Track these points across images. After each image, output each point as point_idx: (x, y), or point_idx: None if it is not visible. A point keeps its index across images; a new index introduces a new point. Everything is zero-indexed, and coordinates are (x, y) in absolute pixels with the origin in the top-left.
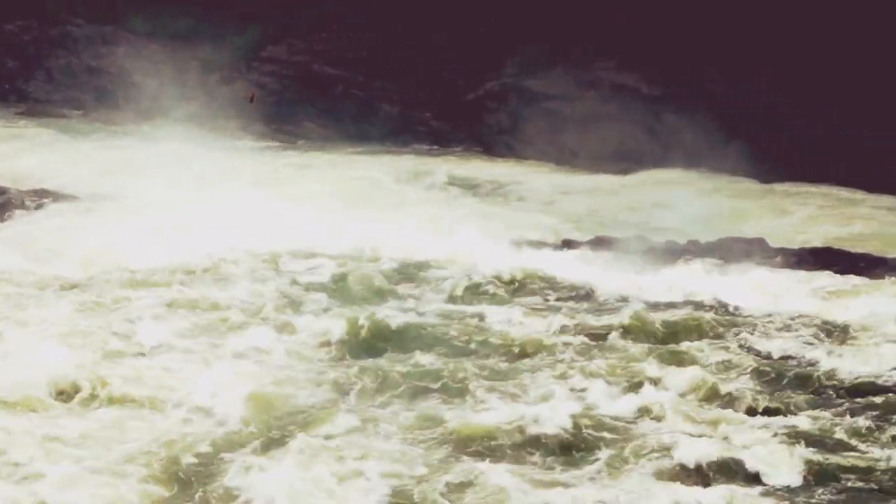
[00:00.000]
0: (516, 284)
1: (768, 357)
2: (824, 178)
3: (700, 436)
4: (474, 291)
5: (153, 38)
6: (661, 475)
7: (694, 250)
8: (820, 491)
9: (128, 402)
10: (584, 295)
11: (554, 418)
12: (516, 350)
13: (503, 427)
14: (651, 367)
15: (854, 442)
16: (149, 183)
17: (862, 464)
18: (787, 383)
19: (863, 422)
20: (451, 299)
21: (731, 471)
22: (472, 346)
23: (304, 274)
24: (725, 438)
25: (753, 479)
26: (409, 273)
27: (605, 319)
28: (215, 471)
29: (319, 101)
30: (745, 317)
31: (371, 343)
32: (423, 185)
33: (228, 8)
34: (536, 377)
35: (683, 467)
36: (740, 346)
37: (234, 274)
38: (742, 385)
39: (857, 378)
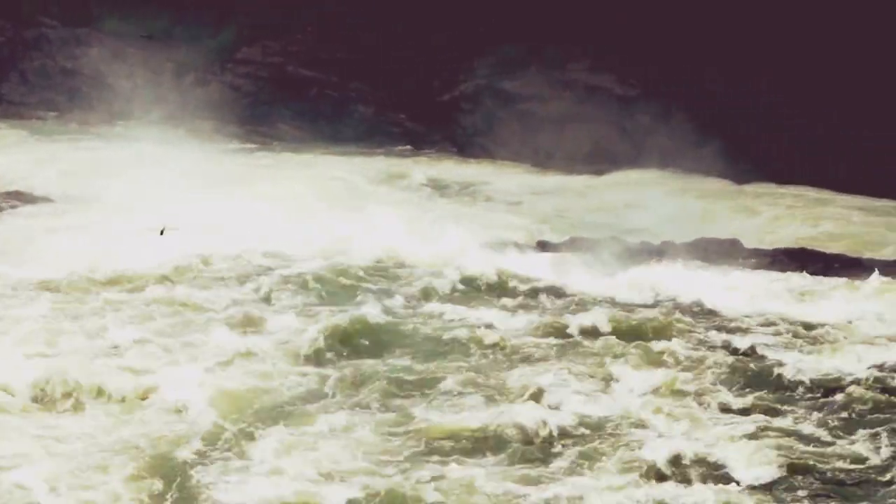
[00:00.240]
0: (490, 285)
1: (742, 357)
2: (799, 180)
3: (673, 434)
4: (449, 292)
5: (127, 40)
6: (633, 473)
7: (668, 251)
8: (793, 488)
9: (102, 403)
10: (558, 295)
11: (527, 417)
12: (490, 350)
13: (477, 426)
14: (624, 367)
15: (827, 440)
16: (123, 185)
17: (835, 462)
18: (761, 383)
19: (835, 420)
20: (426, 299)
21: (705, 468)
22: (447, 346)
23: (278, 274)
24: (698, 437)
25: (726, 476)
26: (385, 273)
27: (579, 320)
28: (190, 470)
29: (294, 103)
30: (720, 317)
31: (346, 343)
32: (398, 186)
33: (203, 10)
34: (510, 377)
35: (656, 465)
36: (714, 346)
37: (209, 275)
38: (716, 384)
39: (830, 377)
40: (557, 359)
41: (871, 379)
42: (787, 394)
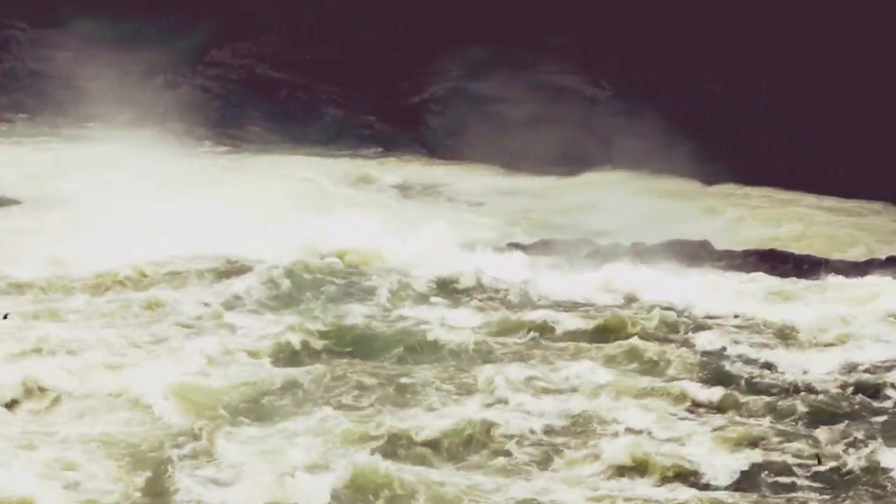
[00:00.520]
0: (461, 286)
1: (712, 356)
2: (772, 181)
3: (641, 432)
4: (419, 293)
5: (97, 42)
6: (600, 471)
7: (639, 252)
8: (759, 486)
9: (72, 403)
10: (528, 296)
11: (496, 416)
12: (460, 350)
13: (445, 428)
14: (594, 368)
15: (794, 439)
16: (92, 187)
17: (801, 460)
18: (729, 382)
19: (803, 419)
20: (396, 300)
21: (672, 466)
22: (417, 346)
23: (248, 275)
24: (667, 435)
25: (693, 474)
26: (355, 275)
27: (550, 321)
28: (161, 468)
29: (264, 105)
30: (690, 318)
31: (316, 343)
32: (368, 188)
33: (173, 12)
34: (480, 376)
35: (625, 465)
36: (684, 346)
37: (178, 277)
38: (686, 385)
39: (799, 377)
40: (528, 359)
41: (839, 378)
42: (756, 393)
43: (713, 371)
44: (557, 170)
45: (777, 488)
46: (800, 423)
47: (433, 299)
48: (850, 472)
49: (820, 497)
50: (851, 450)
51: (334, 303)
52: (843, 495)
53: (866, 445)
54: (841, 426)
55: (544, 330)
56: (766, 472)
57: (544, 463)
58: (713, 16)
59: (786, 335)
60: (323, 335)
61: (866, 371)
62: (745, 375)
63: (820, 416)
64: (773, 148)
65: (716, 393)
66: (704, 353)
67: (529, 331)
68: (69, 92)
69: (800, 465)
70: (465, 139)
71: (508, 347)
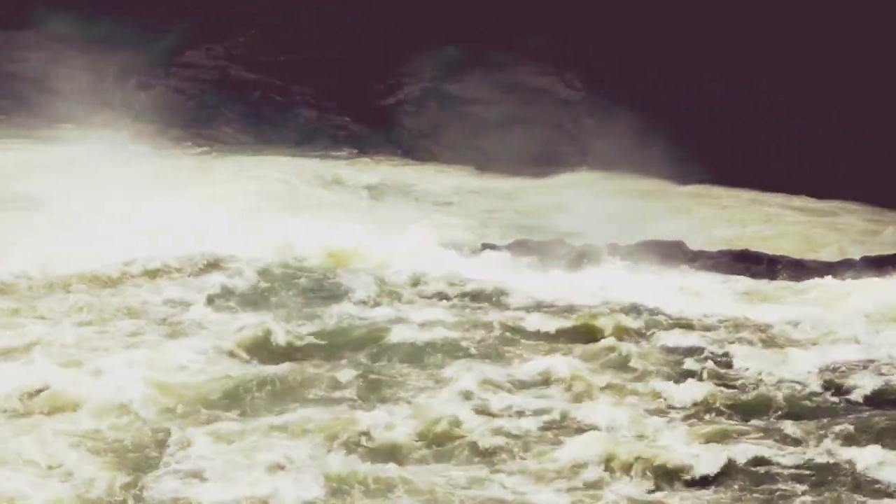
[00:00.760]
0: (434, 288)
1: (687, 357)
2: (746, 182)
3: (616, 431)
4: (392, 295)
5: (70, 44)
6: (575, 471)
7: (614, 253)
8: (734, 487)
9: (49, 402)
10: (502, 297)
11: (470, 417)
12: (433, 351)
13: (418, 426)
14: (568, 367)
15: (770, 439)
16: (66, 188)
17: (777, 461)
18: (705, 383)
19: (779, 420)
20: (369, 300)
21: (646, 467)
22: (390, 346)
23: (221, 275)
24: (642, 434)
25: (667, 475)
26: (329, 275)
27: (524, 321)
28: (132, 469)
29: (237, 106)
30: (665, 318)
31: (289, 344)
32: (342, 189)
33: (146, 13)
34: (452, 380)
35: (598, 462)
36: (659, 348)
37: (154, 275)
38: (660, 384)
39: (775, 378)
40: (501, 358)
41: (814, 378)
42: (731, 392)
43: (687, 370)
44: (531, 170)
45: (751, 486)
46: (775, 421)
47: (407, 299)
48: (825, 469)
49: (795, 494)
50: (827, 448)
51: (309, 302)
52: (819, 492)
53: (841, 443)
54: (816, 424)
55: (518, 329)
56: (741, 470)
57: (518, 460)
58: (698, 15)
59: (760, 335)
60: (298, 334)
61: (841, 370)
62: (720, 375)
63: (795, 414)
64: (758, 148)
65: (690, 392)
66: (679, 353)
67: (504, 330)
68: (42, 93)
69: (775, 464)
70: (440, 140)
71: (482, 346)
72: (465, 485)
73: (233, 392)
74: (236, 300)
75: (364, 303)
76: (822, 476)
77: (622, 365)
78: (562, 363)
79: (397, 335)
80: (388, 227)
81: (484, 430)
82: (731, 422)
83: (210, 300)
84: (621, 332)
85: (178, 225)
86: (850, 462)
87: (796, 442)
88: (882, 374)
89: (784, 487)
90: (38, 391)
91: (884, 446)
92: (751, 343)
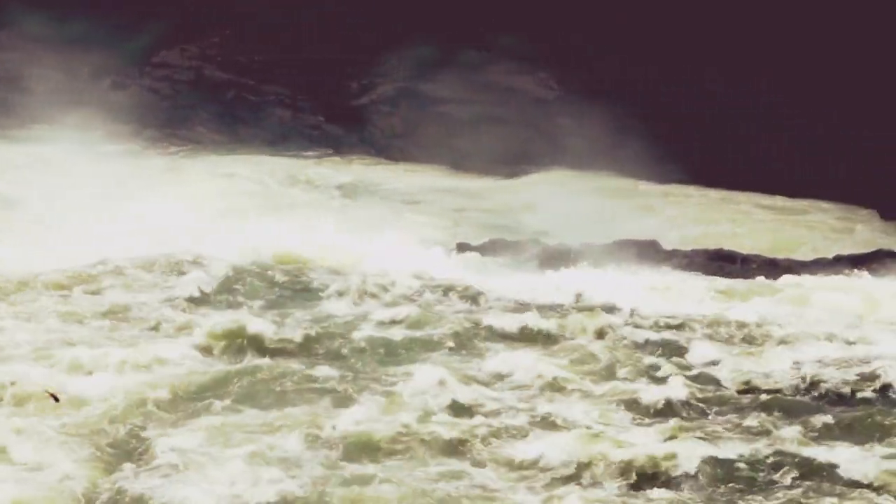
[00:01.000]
0: (406, 287)
1: (661, 356)
2: (721, 182)
3: (589, 432)
4: (364, 294)
5: (45, 44)
6: (548, 472)
7: (587, 252)
8: (706, 487)
9: (8, 400)
10: (475, 297)
11: (439, 417)
12: (405, 351)
13: (388, 425)
14: (541, 367)
15: (743, 439)
16: (38, 188)
17: (749, 460)
18: (680, 382)
19: (752, 420)
20: (340, 301)
21: (618, 468)
22: (361, 347)
23: (193, 276)
24: (615, 435)
25: (639, 475)
26: (299, 276)
27: (495, 321)
28: (102, 468)
29: (212, 106)
30: (638, 318)
31: (259, 345)
32: (314, 189)
33: (121, 13)
34: (425, 377)
35: (572, 464)
36: (633, 346)
37: (125, 275)
38: (635, 384)
39: (749, 377)
40: (474, 358)
41: (789, 376)
42: (706, 392)
43: (662, 368)
44: (505, 170)
45: (726, 484)
46: (751, 419)
47: (379, 297)
48: (800, 466)
49: (771, 491)
50: (803, 444)
51: (282, 301)
52: (795, 489)
53: (817, 440)
54: (792, 421)
55: (491, 328)
56: (715, 467)
57: (490, 457)
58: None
59: (735, 333)
60: (271, 332)
61: (816, 368)
62: (695, 373)
63: (771, 412)
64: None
65: (664, 390)
66: (653, 351)
67: (476, 329)
68: (16, 93)
69: (750, 461)
70: (414, 139)
71: (454, 345)
72: (437, 478)
73: (207, 389)
74: (209, 299)
75: (336, 301)
76: (797, 472)
77: (595, 363)
78: (535, 361)
79: (370, 333)
80: (360, 226)
81: (456, 427)
82: (705, 420)
83: (183, 299)
84: (595, 331)
85: (152, 224)
86: (825, 458)
87: (772, 439)
88: (856, 372)
89: (759, 484)
90: (12, 383)
91: (858, 443)
92: (726, 341)
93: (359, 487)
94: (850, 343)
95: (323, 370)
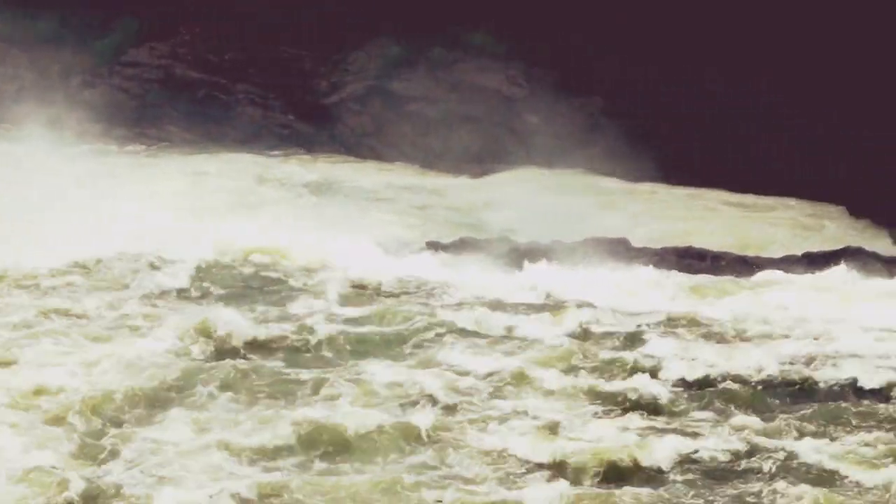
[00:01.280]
0: (377, 287)
1: (633, 353)
2: (688, 180)
3: (562, 431)
4: (336, 294)
5: (13, 42)
6: (521, 468)
7: (557, 250)
8: (676, 482)
9: None
10: (443, 295)
11: (409, 414)
12: (372, 350)
13: (354, 423)
14: (510, 364)
15: (711, 434)
16: (7, 188)
17: (718, 455)
18: (648, 380)
19: (725, 415)
20: (310, 300)
21: (588, 465)
22: (330, 346)
23: (160, 275)
24: (589, 432)
25: (609, 471)
26: (266, 274)
27: (465, 318)
28: (66, 463)
29: (182, 105)
30: (609, 315)
31: (225, 343)
32: (285, 188)
33: (90, 12)
34: (391, 375)
35: (539, 458)
36: (604, 344)
37: (93, 274)
38: (607, 381)
39: (718, 373)
40: (441, 356)
41: (762, 372)
42: (675, 390)
43: (634, 365)
44: (475, 168)
45: (700, 479)
46: (724, 414)
47: (346, 295)
48: (773, 460)
49: (745, 485)
50: (775, 439)
51: (248, 299)
52: (767, 483)
53: (790, 435)
54: (764, 417)
55: (460, 326)
56: (689, 463)
57: (461, 453)
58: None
59: (706, 330)
60: (237, 331)
61: (787, 364)
62: (664, 370)
63: (744, 407)
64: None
65: (637, 386)
66: (624, 348)
67: (446, 326)
68: None
69: (724, 456)
70: (384, 138)
71: (423, 342)
72: (408, 470)
73: (179, 384)
74: (180, 296)
75: (306, 298)
76: (764, 464)
77: (566, 359)
78: (504, 357)
79: (339, 328)
80: (328, 224)
81: (426, 420)
82: (679, 416)
83: (154, 296)
84: (565, 328)
85: (121, 223)
86: (797, 452)
87: (746, 434)
88: (827, 367)
89: (733, 478)
90: None
91: (830, 436)
92: (697, 338)
93: (332, 478)
94: (816, 339)
95: (294, 364)
